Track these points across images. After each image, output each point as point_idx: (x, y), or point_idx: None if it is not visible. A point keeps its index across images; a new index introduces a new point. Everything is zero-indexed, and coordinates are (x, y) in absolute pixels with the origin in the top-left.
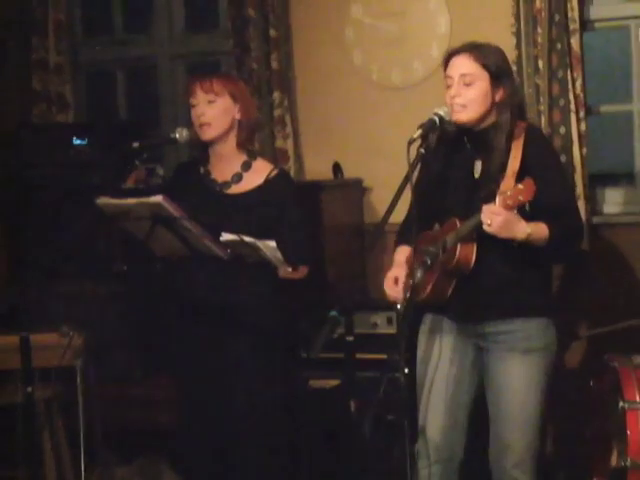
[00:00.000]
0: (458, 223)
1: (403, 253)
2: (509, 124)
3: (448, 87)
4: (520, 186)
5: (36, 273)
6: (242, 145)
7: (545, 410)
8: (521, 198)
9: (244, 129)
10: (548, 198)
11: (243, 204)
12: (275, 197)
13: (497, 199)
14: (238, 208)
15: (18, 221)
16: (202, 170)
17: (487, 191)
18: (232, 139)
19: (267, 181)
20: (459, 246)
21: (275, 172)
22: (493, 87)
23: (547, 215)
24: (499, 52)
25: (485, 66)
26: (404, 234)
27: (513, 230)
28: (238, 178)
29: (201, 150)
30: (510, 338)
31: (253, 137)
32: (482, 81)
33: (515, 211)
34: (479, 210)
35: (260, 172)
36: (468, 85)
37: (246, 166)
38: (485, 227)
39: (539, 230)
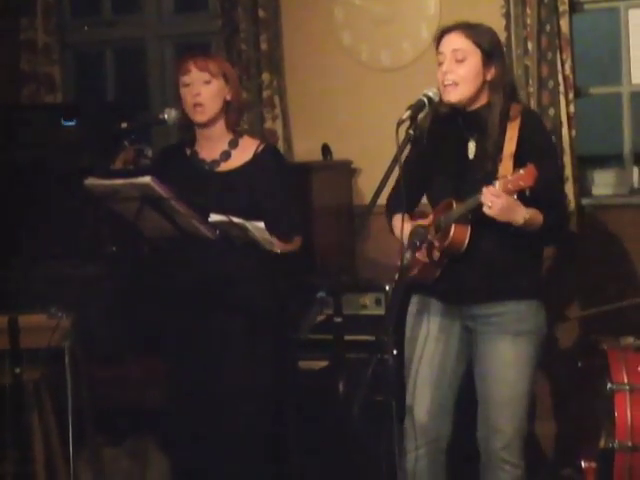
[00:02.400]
0: (454, 204)
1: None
2: (502, 104)
3: (440, 64)
4: (522, 171)
5: (24, 254)
6: (231, 127)
7: (533, 392)
8: (522, 183)
9: (234, 111)
10: (541, 185)
11: (233, 181)
12: (265, 171)
13: (497, 182)
14: (228, 185)
15: (6, 202)
16: (189, 152)
17: (483, 172)
18: (221, 121)
19: (255, 156)
20: (453, 226)
21: (262, 147)
22: (485, 65)
23: (538, 200)
24: (491, 31)
25: (477, 43)
26: (395, 204)
27: (512, 214)
28: (226, 156)
29: (187, 131)
30: (501, 320)
31: (241, 119)
32: (474, 58)
33: (515, 195)
34: (477, 191)
35: (248, 148)
36: (460, 61)
37: (233, 144)
38: (485, 209)
39: (536, 216)
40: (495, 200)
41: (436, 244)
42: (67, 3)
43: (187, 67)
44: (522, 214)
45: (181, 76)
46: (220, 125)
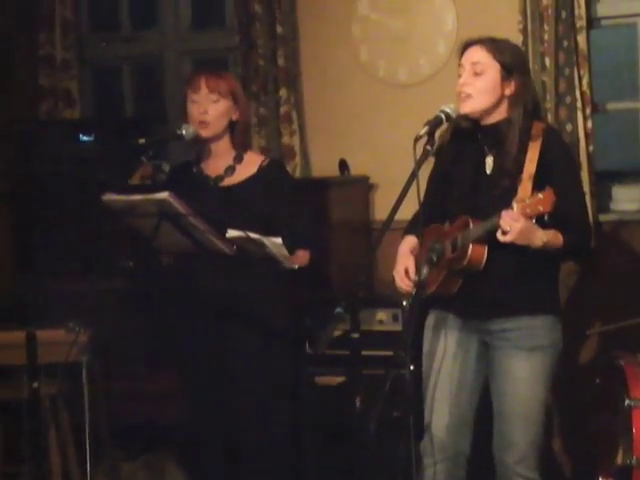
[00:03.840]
0: (471, 223)
1: (408, 244)
2: (522, 120)
3: (460, 76)
4: (540, 196)
5: (43, 269)
6: (237, 146)
7: (548, 407)
8: (541, 209)
9: (241, 131)
10: (563, 206)
11: (238, 195)
12: (270, 185)
13: (515, 206)
14: (233, 200)
15: (25, 218)
16: (195, 169)
17: (500, 189)
18: (226, 138)
19: (260, 170)
20: (471, 246)
21: (267, 161)
22: (503, 80)
23: (559, 223)
24: (515, 48)
25: (497, 58)
26: (413, 226)
27: (530, 238)
28: (231, 171)
29: (202, 146)
30: (516, 335)
31: (247, 137)
32: (492, 72)
33: (534, 220)
34: (493, 207)
35: (252, 163)
36: (478, 75)
37: (238, 159)
38: (499, 235)
39: (555, 239)
40: (513, 224)
41: (453, 263)
42: (85, 19)
43: (198, 85)
44: (540, 237)
45: (190, 92)
46: (225, 141)
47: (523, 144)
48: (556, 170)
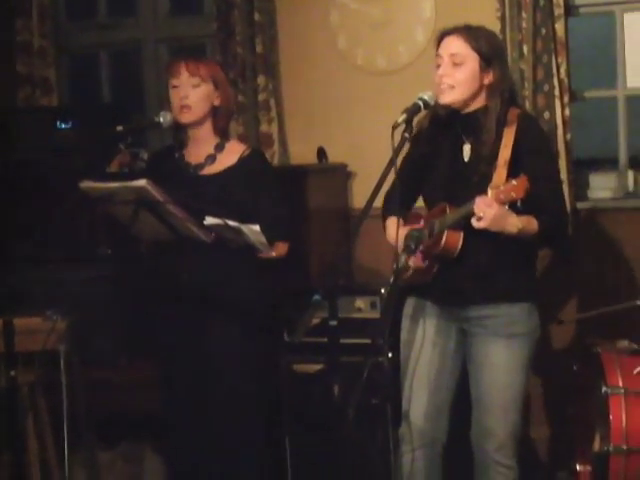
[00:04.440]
0: (448, 209)
1: (396, 226)
2: (499, 108)
3: (438, 66)
4: (514, 182)
5: (20, 257)
6: (219, 131)
7: (526, 394)
8: (514, 195)
9: (222, 116)
10: (537, 190)
11: (217, 184)
12: (250, 175)
13: (489, 192)
14: (212, 188)
15: (1, 205)
16: (177, 155)
17: (477, 176)
18: (208, 124)
19: (241, 160)
20: (446, 232)
21: (248, 151)
22: (482, 70)
23: (534, 207)
24: (492, 36)
25: (475, 48)
26: (390, 205)
27: (504, 225)
28: (212, 159)
29: (182, 134)
30: (494, 323)
31: (229, 123)
32: (471, 62)
33: (507, 206)
34: (471, 195)
35: (233, 152)
36: (457, 65)
37: (219, 147)
38: (474, 222)
39: (529, 225)
40: (487, 210)
41: (429, 249)
42: (63, 6)
43: (178, 70)
44: (514, 223)
45: (171, 78)
46: (207, 128)
47: (499, 131)
48: (530, 155)
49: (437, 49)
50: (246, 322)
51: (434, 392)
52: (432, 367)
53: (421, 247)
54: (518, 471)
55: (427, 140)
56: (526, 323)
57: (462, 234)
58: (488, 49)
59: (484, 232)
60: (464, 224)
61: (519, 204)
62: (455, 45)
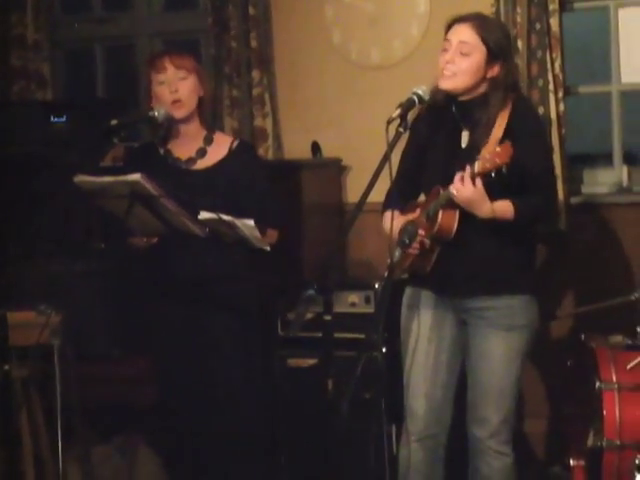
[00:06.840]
0: (441, 190)
1: (389, 219)
2: (499, 102)
3: (444, 50)
4: (498, 149)
5: (14, 251)
6: (204, 122)
7: (520, 384)
8: (498, 161)
9: (206, 107)
10: (527, 165)
11: (212, 178)
12: (241, 166)
13: (476, 163)
14: (207, 183)
15: None
16: (162, 151)
17: (473, 161)
18: (196, 117)
19: (231, 151)
20: (441, 212)
21: (237, 142)
22: (488, 63)
23: (523, 183)
24: (503, 29)
25: (485, 40)
26: (390, 202)
27: (477, 208)
28: (202, 153)
29: (164, 130)
30: (494, 314)
31: (210, 113)
32: (478, 53)
33: (483, 189)
34: None
35: (222, 144)
36: (464, 55)
37: (208, 140)
38: (452, 193)
39: (504, 210)
40: (460, 187)
41: (426, 231)
42: (57, 0)
43: (163, 65)
44: (487, 209)
45: (156, 74)
46: (196, 121)
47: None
48: (522, 133)
49: (446, 33)
50: (240, 317)
51: (433, 382)
52: (429, 357)
53: (414, 241)
54: (514, 457)
55: (425, 127)
56: (526, 315)
57: (457, 213)
58: (497, 43)
59: (485, 224)
60: (460, 207)
61: (504, 170)
62: (466, 34)
